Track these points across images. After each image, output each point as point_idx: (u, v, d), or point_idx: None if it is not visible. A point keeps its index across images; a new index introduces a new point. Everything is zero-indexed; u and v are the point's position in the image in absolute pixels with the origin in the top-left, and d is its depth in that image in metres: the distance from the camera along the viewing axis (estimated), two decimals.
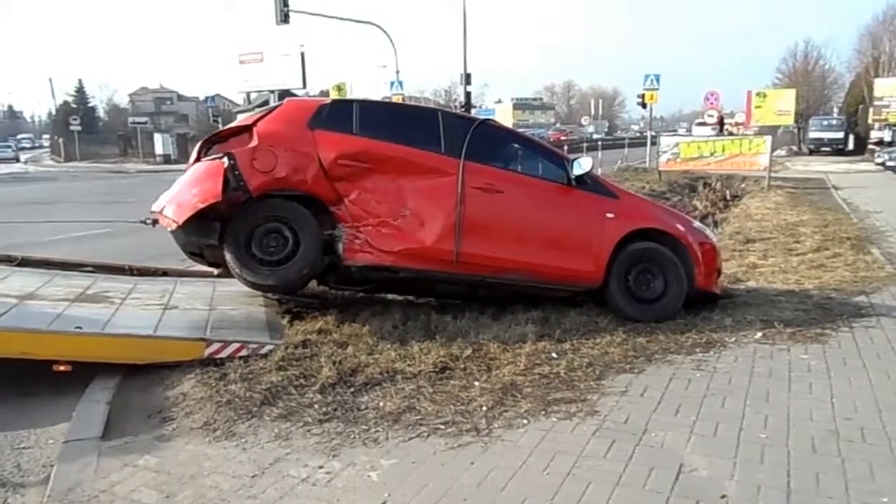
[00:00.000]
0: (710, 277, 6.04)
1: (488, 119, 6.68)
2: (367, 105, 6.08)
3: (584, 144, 30.52)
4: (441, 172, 5.53)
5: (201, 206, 5.15)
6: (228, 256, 5.33)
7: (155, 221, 5.65)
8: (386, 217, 5.44)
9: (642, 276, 5.77)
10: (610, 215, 5.71)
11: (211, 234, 5.44)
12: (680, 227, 5.98)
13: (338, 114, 5.64)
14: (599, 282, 5.69)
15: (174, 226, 5.34)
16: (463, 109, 30.87)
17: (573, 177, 5.74)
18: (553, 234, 5.67)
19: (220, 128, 6.70)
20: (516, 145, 6.22)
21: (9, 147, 56.70)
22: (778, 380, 4.37)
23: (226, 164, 5.19)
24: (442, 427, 3.70)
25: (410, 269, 5.54)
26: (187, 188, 5.44)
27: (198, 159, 5.61)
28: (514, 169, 5.91)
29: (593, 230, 5.69)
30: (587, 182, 5.80)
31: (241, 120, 5.93)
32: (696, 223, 6.55)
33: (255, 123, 5.53)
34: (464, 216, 5.46)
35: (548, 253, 5.61)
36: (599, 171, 23.30)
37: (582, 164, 5.75)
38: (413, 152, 5.55)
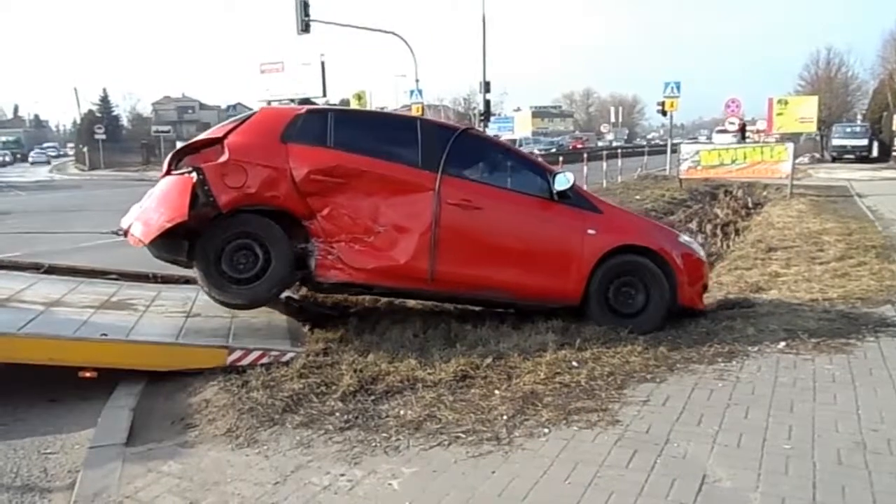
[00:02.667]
0: (694, 293, 5.93)
1: (470, 128, 6.56)
2: (342, 115, 5.95)
3: (604, 152, 30.30)
4: (417, 188, 5.39)
5: (167, 225, 5.02)
6: (198, 274, 5.26)
7: (126, 233, 5.53)
8: (359, 233, 5.33)
9: (623, 289, 5.67)
10: (591, 231, 5.59)
11: (179, 252, 5.40)
12: (664, 242, 5.84)
13: (312, 125, 5.50)
14: (578, 300, 5.61)
15: (140, 245, 5.25)
16: (482, 117, 30.93)
17: (555, 192, 5.61)
18: (532, 252, 5.55)
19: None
20: (498, 156, 6.08)
21: (43, 153, 64.09)
22: (802, 390, 4.32)
23: (194, 180, 5.06)
24: (463, 435, 3.70)
25: (384, 286, 5.50)
26: (155, 205, 5.32)
27: (168, 171, 5.45)
28: (494, 182, 5.76)
29: (573, 248, 5.57)
30: (570, 196, 5.66)
31: (212, 130, 5.74)
32: (683, 237, 6.42)
33: (226, 136, 5.38)
34: (439, 234, 5.33)
35: (525, 271, 5.51)
36: (619, 179, 23.32)
37: (564, 180, 5.61)
38: (388, 166, 5.42)
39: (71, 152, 72.33)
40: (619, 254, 5.63)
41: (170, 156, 5.60)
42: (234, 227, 5.24)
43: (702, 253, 6.31)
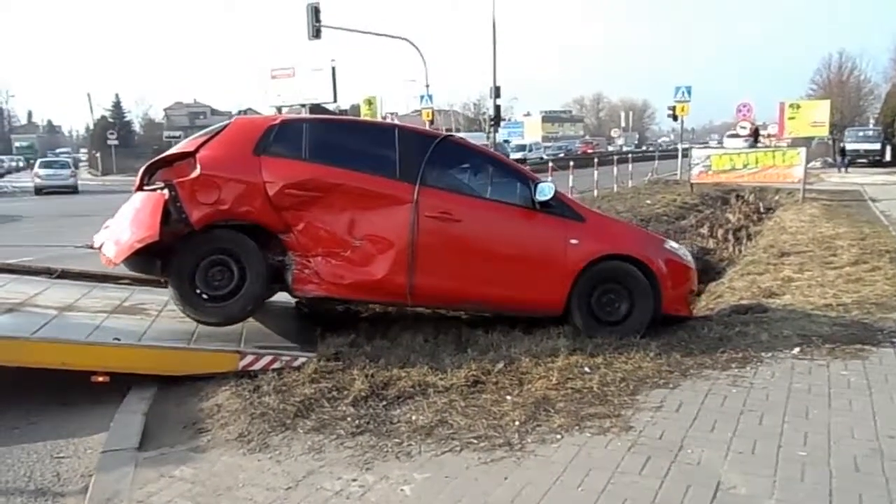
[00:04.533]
0: (679, 300, 5.90)
1: (450, 135, 6.45)
2: (318, 125, 5.87)
3: (615, 157, 30.26)
4: (394, 200, 5.31)
5: (138, 246, 4.96)
6: (172, 292, 5.19)
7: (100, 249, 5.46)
8: (336, 248, 5.25)
9: (606, 297, 5.62)
10: (574, 241, 5.52)
11: (152, 270, 5.36)
12: (647, 249, 5.79)
13: (286, 136, 5.40)
14: (560, 310, 5.56)
15: (112, 265, 5.21)
16: (492, 123, 30.94)
17: (537, 202, 5.53)
18: (513, 264, 5.48)
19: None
20: (479, 164, 6.01)
21: (69, 157, 65.40)
22: (817, 396, 4.28)
23: (166, 196, 4.99)
24: (475, 441, 3.69)
25: (362, 301, 5.47)
26: (126, 224, 5.24)
27: (140, 186, 5.32)
28: (475, 192, 5.71)
29: (556, 259, 5.51)
30: (552, 205, 5.57)
31: (185, 143, 5.60)
32: (669, 243, 6.34)
33: (198, 149, 5.26)
34: (417, 248, 5.26)
35: (506, 284, 5.46)
36: (630, 184, 23.26)
37: (546, 190, 5.53)
38: (365, 179, 5.33)
39: (84, 157, 72.93)
40: (601, 261, 5.59)
41: (142, 169, 5.44)
42: (208, 243, 5.17)
43: (688, 259, 6.25)
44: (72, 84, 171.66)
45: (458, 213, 5.41)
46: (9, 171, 53.97)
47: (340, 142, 5.67)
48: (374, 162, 5.48)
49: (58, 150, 79.58)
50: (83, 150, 78.72)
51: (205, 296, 5.16)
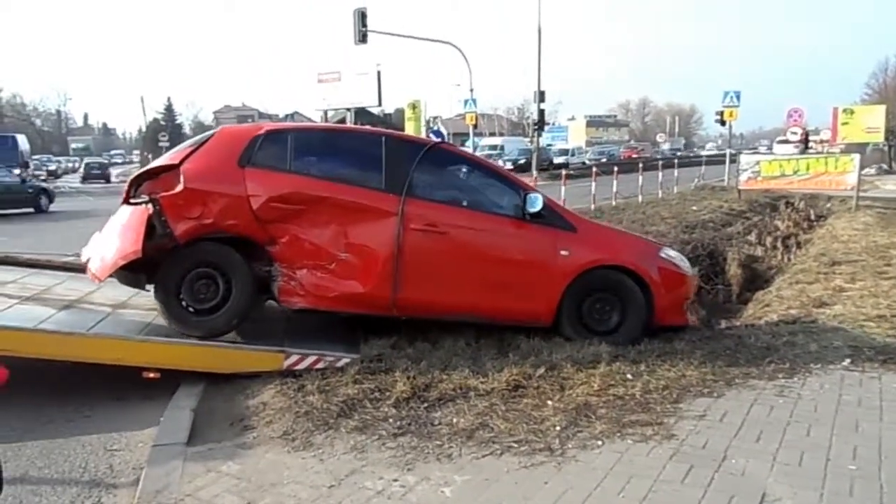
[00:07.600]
0: (675, 309, 5.80)
1: (441, 142, 6.36)
2: (303, 135, 5.81)
3: (660, 162, 29.86)
4: (379, 213, 5.27)
5: (121, 263, 4.99)
6: (159, 306, 5.17)
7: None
8: (321, 260, 5.23)
9: (598, 306, 5.56)
10: (564, 252, 5.45)
11: (139, 284, 5.41)
12: (639, 258, 5.69)
13: (271, 147, 5.35)
14: (550, 321, 5.51)
15: (97, 282, 5.26)
16: (536, 127, 30.86)
17: (527, 213, 5.46)
18: (500, 276, 5.41)
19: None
20: (470, 173, 5.94)
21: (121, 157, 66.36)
22: (868, 409, 4.17)
23: (150, 211, 4.98)
24: (515, 445, 3.70)
25: (347, 313, 5.46)
26: (111, 239, 5.25)
27: (127, 198, 5.29)
28: (463, 203, 5.59)
29: (545, 271, 5.45)
30: (543, 215, 5.49)
31: (171, 155, 5.52)
32: (666, 251, 6.18)
33: (182, 161, 5.20)
34: (402, 261, 5.23)
35: (493, 295, 5.41)
36: (675, 190, 22.91)
37: (535, 201, 5.45)
38: (350, 191, 5.29)
39: (136, 159, 75.05)
40: (592, 271, 5.53)
41: (129, 181, 5.42)
42: (193, 256, 5.14)
43: (685, 267, 6.12)
44: (126, 88, 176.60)
45: (443, 224, 5.36)
46: (66, 172, 55.71)
47: (326, 151, 5.65)
48: (360, 173, 5.46)
49: (112, 152, 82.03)
50: (136, 152, 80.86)
51: (191, 309, 5.14)
